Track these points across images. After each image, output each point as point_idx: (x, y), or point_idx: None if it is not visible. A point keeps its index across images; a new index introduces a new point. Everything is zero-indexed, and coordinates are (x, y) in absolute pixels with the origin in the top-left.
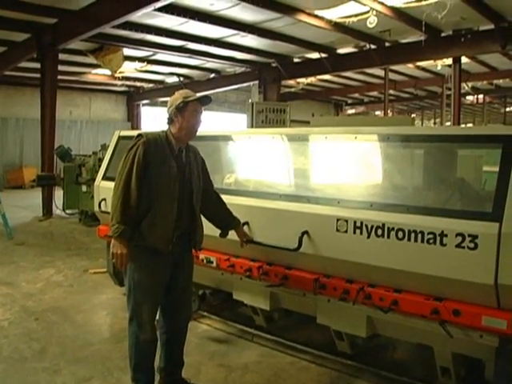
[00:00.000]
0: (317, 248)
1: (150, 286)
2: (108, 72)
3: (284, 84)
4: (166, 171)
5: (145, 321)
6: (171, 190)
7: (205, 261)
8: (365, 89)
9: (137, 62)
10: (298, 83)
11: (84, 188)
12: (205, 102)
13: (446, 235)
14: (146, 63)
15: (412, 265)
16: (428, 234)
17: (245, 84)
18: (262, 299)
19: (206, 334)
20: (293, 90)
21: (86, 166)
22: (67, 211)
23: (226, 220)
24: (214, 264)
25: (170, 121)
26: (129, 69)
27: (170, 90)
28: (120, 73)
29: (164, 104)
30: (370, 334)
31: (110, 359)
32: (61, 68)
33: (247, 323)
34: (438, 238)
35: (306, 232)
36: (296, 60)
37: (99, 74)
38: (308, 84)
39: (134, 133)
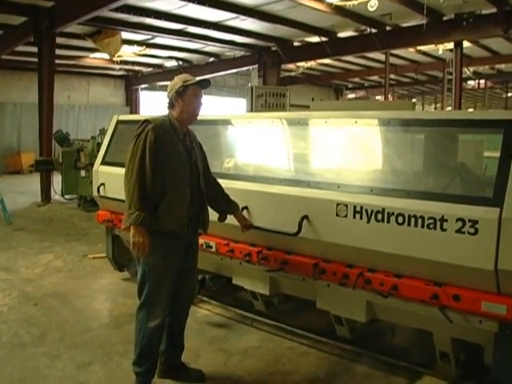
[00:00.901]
0: (316, 233)
1: (165, 270)
2: (106, 56)
3: (284, 68)
4: (176, 156)
5: (159, 307)
6: (183, 174)
7: (204, 246)
8: (365, 73)
9: (135, 45)
10: (298, 67)
11: (83, 173)
12: (204, 85)
13: (447, 220)
14: (144, 47)
15: (412, 250)
16: (428, 219)
17: (244, 68)
18: (261, 284)
19: (206, 319)
20: (293, 74)
21: (85, 150)
22: (66, 196)
23: (224, 204)
24: (214, 249)
25: (171, 105)
26: (127, 53)
27: (168, 74)
28: (118, 57)
29: (163, 88)
30: (369, 319)
31: (109, 344)
32: (58, 52)
33: (247, 308)
34: (439, 223)
35: (305, 216)
36: (296, 44)
37: (97, 58)
38: (308, 68)
39: (133, 117)
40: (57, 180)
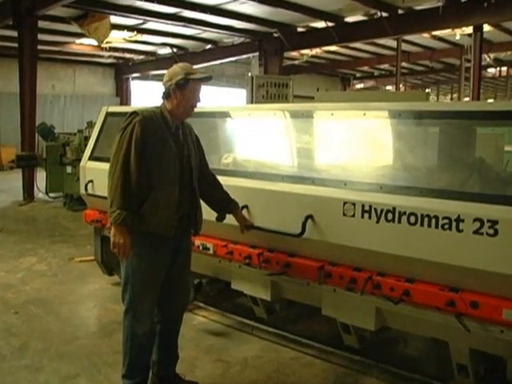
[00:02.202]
0: (322, 233)
1: (150, 273)
2: (94, 42)
3: (287, 56)
4: (165, 151)
5: (144, 312)
6: (172, 171)
7: (201, 247)
8: (375, 61)
9: (125, 31)
10: (302, 55)
11: (69, 169)
12: (206, 80)
13: (463, 220)
14: (135, 32)
15: (425, 252)
16: (443, 218)
17: (244, 56)
18: (262, 289)
19: (202, 327)
20: (296, 62)
21: (71, 145)
22: (50, 194)
23: (222, 203)
24: (211, 251)
25: (167, 96)
26: (117, 39)
27: (162, 62)
28: (107, 43)
29: (156, 78)
30: (379, 327)
31: (97, 354)
32: (41, 37)
33: (247, 315)
34: (454, 224)
35: (310, 216)
36: (300, 29)
37: (84, 45)
38: (313, 56)
39: (124, 109)
40: (40, 177)
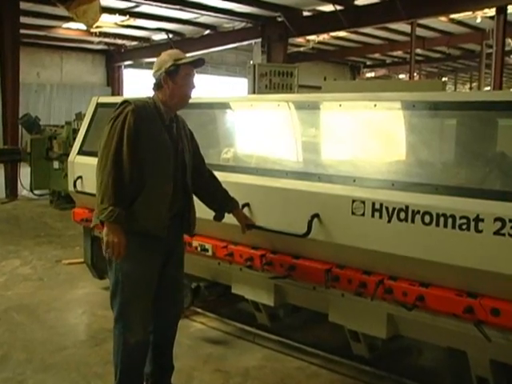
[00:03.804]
0: (329, 234)
1: (142, 278)
2: (83, 26)
3: (291, 42)
4: (159, 145)
5: (136, 320)
6: (166, 166)
7: (199, 249)
8: (387, 48)
9: (117, 14)
10: (308, 41)
11: (56, 164)
12: (198, 64)
13: (483, 220)
14: (127, 16)
15: (441, 254)
16: (460, 218)
17: (245, 42)
18: (265, 293)
19: (200, 334)
20: (302, 49)
21: (58, 138)
22: (36, 192)
23: (221, 201)
24: (210, 252)
25: (158, 86)
26: (107, 23)
27: (157, 48)
28: (97, 28)
29: (150, 66)
30: (391, 335)
31: (86, 365)
32: (24, 20)
33: (248, 321)
34: (473, 224)
35: (316, 215)
36: (306, 13)
37: (72, 29)
38: (320, 42)
39: (115, 99)
40: (25, 173)
